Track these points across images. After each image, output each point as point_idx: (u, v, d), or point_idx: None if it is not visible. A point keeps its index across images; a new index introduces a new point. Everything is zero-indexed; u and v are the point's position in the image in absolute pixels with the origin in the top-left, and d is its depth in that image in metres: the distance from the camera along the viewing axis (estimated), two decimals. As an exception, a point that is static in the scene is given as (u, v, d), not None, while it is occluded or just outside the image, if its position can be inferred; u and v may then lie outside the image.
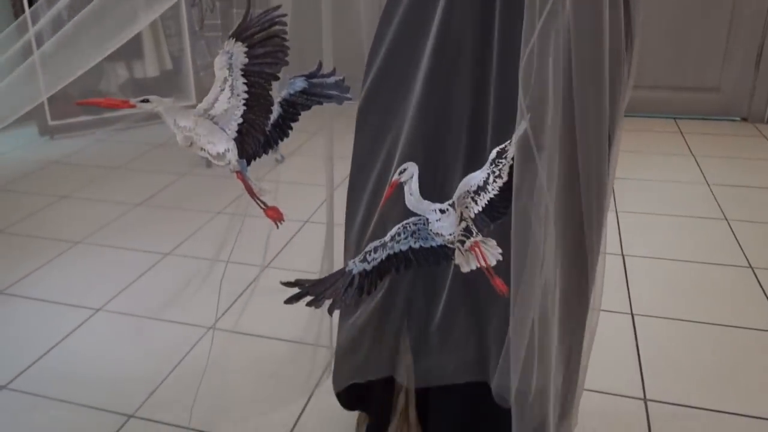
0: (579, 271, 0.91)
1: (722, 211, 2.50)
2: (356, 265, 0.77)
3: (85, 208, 2.69)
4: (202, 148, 0.72)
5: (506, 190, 0.73)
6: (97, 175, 3.09)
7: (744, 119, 3.64)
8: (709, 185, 2.75)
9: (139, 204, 2.70)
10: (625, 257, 2.16)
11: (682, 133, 3.47)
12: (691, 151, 3.18)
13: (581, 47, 0.74)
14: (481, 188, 0.74)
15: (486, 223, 0.75)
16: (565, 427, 1.03)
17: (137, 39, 3.80)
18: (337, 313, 1.27)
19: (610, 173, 0.89)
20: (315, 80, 0.77)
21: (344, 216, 1.13)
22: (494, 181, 0.73)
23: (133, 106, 0.71)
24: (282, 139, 0.76)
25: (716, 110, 3.68)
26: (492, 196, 0.73)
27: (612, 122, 0.84)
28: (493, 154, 0.74)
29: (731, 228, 2.36)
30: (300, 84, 0.75)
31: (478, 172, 0.74)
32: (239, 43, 0.67)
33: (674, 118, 3.69)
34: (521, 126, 0.70)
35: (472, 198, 0.74)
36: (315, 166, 1.26)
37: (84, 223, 2.51)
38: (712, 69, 3.61)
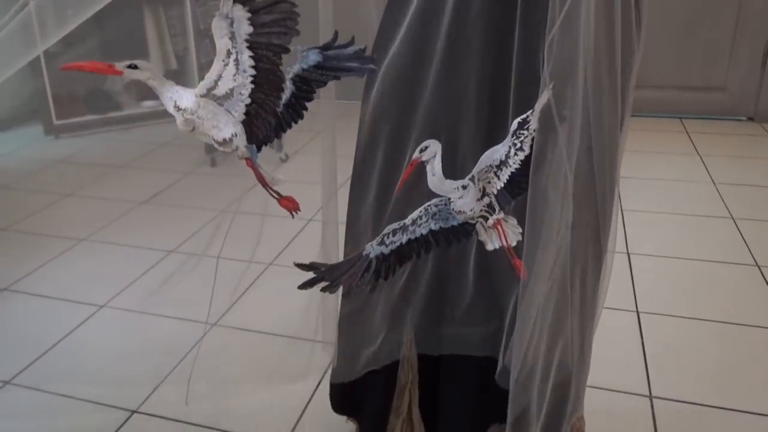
0: (594, 244, 0.90)
1: (728, 209, 2.49)
2: (373, 249, 0.73)
3: (90, 206, 2.70)
4: (205, 134, 0.63)
5: (527, 164, 0.69)
6: (102, 174, 3.09)
7: (750, 119, 3.63)
8: (715, 184, 2.74)
9: (144, 202, 2.71)
10: (631, 255, 2.15)
11: (687, 132, 3.45)
12: (697, 151, 3.16)
13: (596, 32, 0.73)
14: (503, 162, 0.70)
15: (507, 200, 0.71)
16: (574, 417, 1.02)
17: (142, 38, 3.80)
18: (334, 309, 1.26)
19: (620, 157, 0.89)
20: (330, 52, 0.66)
21: (343, 214, 1.11)
22: (515, 154, 0.69)
23: (119, 73, 0.61)
24: (296, 121, 0.66)
25: (722, 110, 3.66)
26: (513, 170, 0.69)
27: (622, 108, 0.84)
28: (515, 125, 0.70)
29: (737, 226, 2.35)
30: (314, 57, 0.65)
31: (500, 146, 0.70)
32: (239, 6, 0.57)
33: (680, 118, 3.68)
34: (543, 96, 0.68)
35: (495, 173, 0.70)
36: (319, 165, 1.25)
37: (88, 220, 2.52)
38: (718, 68, 3.59)
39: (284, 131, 0.68)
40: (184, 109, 0.62)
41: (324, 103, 1.23)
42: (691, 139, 3.34)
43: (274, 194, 0.70)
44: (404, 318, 1.07)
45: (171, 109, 0.63)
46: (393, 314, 1.07)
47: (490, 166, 0.71)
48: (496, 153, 0.71)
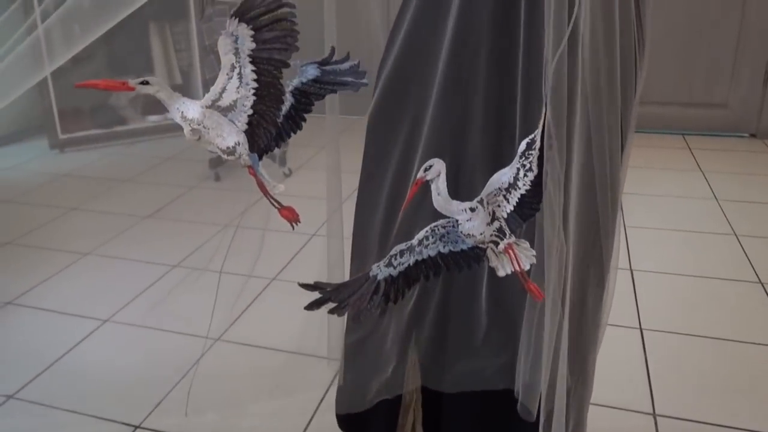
0: (596, 264, 0.90)
1: (731, 226, 2.49)
2: (381, 270, 0.72)
3: (94, 221, 2.71)
4: (210, 142, 0.66)
5: (537, 184, 0.69)
6: (107, 188, 3.10)
7: (753, 135, 3.64)
8: (717, 201, 2.74)
9: (148, 216, 2.71)
10: (634, 272, 2.15)
11: (690, 149, 3.46)
12: (699, 167, 3.17)
13: (594, 54, 0.74)
14: (512, 185, 0.69)
15: (518, 223, 0.70)
16: None
17: (147, 53, 3.84)
18: (338, 325, 1.26)
19: (622, 180, 0.89)
20: (328, 67, 0.71)
21: (348, 229, 1.11)
22: (525, 175, 0.69)
23: (132, 89, 0.64)
24: (295, 131, 0.70)
25: (725, 126, 3.68)
26: (523, 191, 0.69)
27: (624, 127, 0.84)
28: (523, 146, 0.70)
29: (740, 243, 2.35)
30: (312, 71, 0.70)
31: (507, 168, 0.70)
32: (243, 25, 0.62)
33: (682, 134, 3.69)
34: (545, 115, 0.68)
35: (504, 196, 0.70)
36: (323, 179, 1.25)
37: (93, 234, 2.52)
38: (720, 85, 3.61)
39: (284, 141, 0.71)
40: (191, 120, 0.66)
41: (328, 118, 1.25)
42: (693, 156, 3.34)
43: (275, 203, 0.71)
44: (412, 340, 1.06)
45: (178, 120, 0.66)
46: (404, 342, 1.06)
47: (499, 189, 0.70)
48: (504, 176, 0.70)
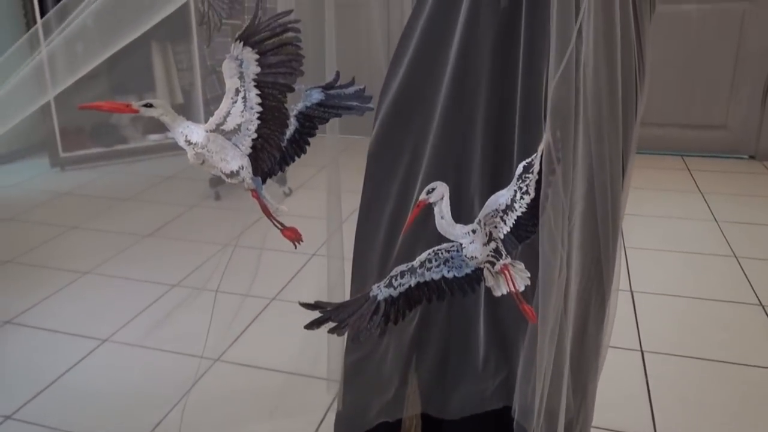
0: (597, 289, 0.90)
1: (731, 247, 2.49)
2: (381, 291, 0.72)
3: (95, 239, 2.71)
4: (214, 166, 0.66)
5: (533, 207, 0.70)
6: (107, 207, 3.11)
7: (752, 157, 3.65)
8: (717, 222, 2.75)
9: (148, 235, 2.71)
10: (634, 293, 2.15)
11: (689, 170, 3.47)
12: (698, 188, 3.18)
13: (596, 80, 0.75)
14: (509, 207, 0.70)
15: (514, 245, 0.71)
16: None
17: (149, 72, 3.86)
18: (338, 346, 1.26)
19: (623, 204, 0.89)
20: (332, 91, 0.70)
21: (348, 249, 1.11)
22: (521, 198, 0.70)
23: (135, 111, 0.64)
24: (299, 155, 0.70)
25: (723, 148, 3.69)
26: (519, 214, 0.70)
27: (625, 150, 0.85)
28: (520, 169, 0.70)
29: (740, 265, 2.35)
30: (317, 96, 0.69)
31: (504, 190, 0.71)
32: (248, 49, 0.62)
33: (681, 155, 3.70)
34: (545, 139, 0.69)
35: (501, 218, 0.71)
36: (323, 199, 1.26)
37: (93, 253, 2.52)
38: (719, 107, 3.63)
39: (288, 165, 0.71)
40: (195, 144, 0.65)
41: (328, 138, 1.25)
42: (692, 177, 3.35)
43: (278, 224, 0.71)
44: (413, 365, 1.06)
45: (182, 143, 0.66)
46: (405, 366, 1.05)
47: (496, 210, 0.71)
48: (501, 197, 0.71)
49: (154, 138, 3.79)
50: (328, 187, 1.30)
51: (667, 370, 1.76)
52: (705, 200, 3.02)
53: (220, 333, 1.89)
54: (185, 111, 3.93)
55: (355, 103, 0.71)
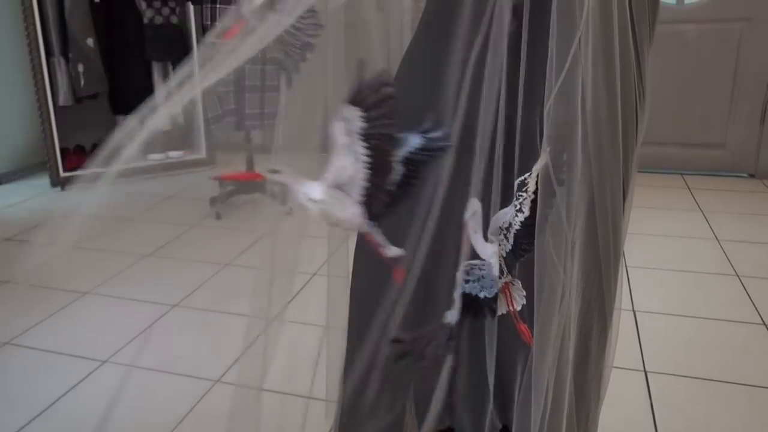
0: (599, 313, 0.89)
1: (733, 267, 2.48)
2: (451, 315, 0.73)
3: (94, 259, 2.70)
4: (332, 217, 0.73)
5: (527, 226, 0.71)
6: (107, 226, 3.10)
7: (751, 175, 3.66)
8: (718, 241, 2.74)
9: (149, 255, 2.71)
10: (636, 313, 2.14)
11: (689, 188, 3.48)
12: (699, 207, 3.18)
13: (596, 105, 0.75)
14: (510, 224, 0.72)
15: (513, 263, 0.72)
16: None
17: (149, 92, 3.88)
18: (338, 364, 1.25)
19: (624, 228, 0.89)
20: (430, 135, 0.77)
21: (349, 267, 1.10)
22: (516, 215, 0.71)
23: (265, 179, 0.76)
24: (407, 198, 0.76)
25: (723, 166, 3.70)
26: (515, 231, 0.71)
27: (626, 173, 0.85)
28: (515, 187, 0.72)
29: (743, 284, 2.34)
30: (417, 141, 0.76)
31: (508, 207, 0.73)
32: (354, 108, 0.69)
33: (681, 174, 3.71)
34: (542, 159, 0.70)
35: (504, 235, 0.72)
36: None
37: (93, 273, 2.52)
38: (718, 126, 3.64)
39: (397, 207, 0.77)
40: (317, 200, 0.72)
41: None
42: (693, 196, 3.36)
43: (391, 264, 0.75)
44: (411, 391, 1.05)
45: (305, 202, 0.73)
46: (404, 391, 1.05)
47: (500, 228, 0.72)
48: (504, 215, 0.72)
49: (154, 158, 3.80)
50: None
51: (670, 390, 1.74)
52: (706, 219, 3.01)
53: (222, 355, 1.88)
54: (186, 131, 3.95)
55: (443, 144, 0.77)
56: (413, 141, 0.75)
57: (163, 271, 2.58)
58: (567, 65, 0.70)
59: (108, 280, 2.47)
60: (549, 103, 0.70)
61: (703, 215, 3.06)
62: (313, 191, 0.72)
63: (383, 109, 0.69)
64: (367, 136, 0.70)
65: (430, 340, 0.73)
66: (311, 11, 0.92)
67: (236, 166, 3.36)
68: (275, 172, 0.71)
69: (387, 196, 0.73)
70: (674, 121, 3.65)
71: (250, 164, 3.27)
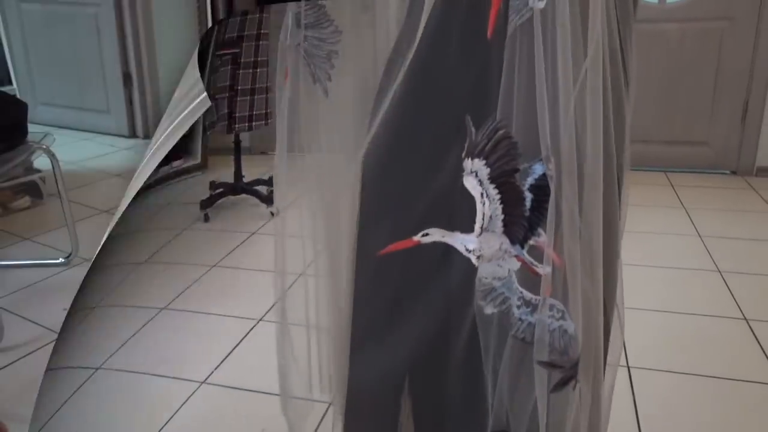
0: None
1: (714, 262, 2.52)
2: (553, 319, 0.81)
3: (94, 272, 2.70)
4: (487, 257, 0.82)
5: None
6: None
7: (733, 172, 3.70)
8: (701, 237, 2.78)
9: (142, 263, 2.71)
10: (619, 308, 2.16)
11: (672, 185, 3.52)
12: (682, 204, 3.22)
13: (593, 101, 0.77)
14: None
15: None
16: None
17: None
18: (343, 366, 1.26)
19: (621, 225, 0.92)
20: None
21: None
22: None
23: (418, 243, 0.85)
24: (542, 221, 0.81)
25: (706, 163, 3.75)
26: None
27: (619, 170, 0.87)
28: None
29: (724, 280, 2.38)
30: (540, 168, 0.80)
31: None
32: (476, 160, 0.79)
33: (664, 171, 3.75)
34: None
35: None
36: (309, 219, 1.27)
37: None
38: (700, 124, 3.69)
39: (535, 229, 0.83)
40: (474, 249, 0.83)
41: (314, 157, 1.26)
42: (676, 192, 3.40)
43: (541, 280, 0.81)
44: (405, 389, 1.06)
45: (464, 252, 0.84)
46: (398, 389, 1.05)
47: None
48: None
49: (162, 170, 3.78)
50: (309, 206, 1.31)
51: (653, 385, 1.77)
52: (688, 215, 3.05)
53: (211, 357, 1.88)
54: (183, 138, 3.95)
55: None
56: (538, 169, 0.80)
57: (153, 276, 2.58)
58: (580, 78, 0.73)
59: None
60: (545, 113, 0.74)
61: (686, 212, 3.10)
62: (469, 242, 0.83)
63: (500, 151, 0.78)
64: (494, 179, 0.79)
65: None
66: (328, 19, 0.96)
67: (228, 169, 3.36)
68: (427, 235, 0.84)
69: (525, 221, 0.81)
70: (658, 119, 3.69)
71: (238, 167, 3.28)
